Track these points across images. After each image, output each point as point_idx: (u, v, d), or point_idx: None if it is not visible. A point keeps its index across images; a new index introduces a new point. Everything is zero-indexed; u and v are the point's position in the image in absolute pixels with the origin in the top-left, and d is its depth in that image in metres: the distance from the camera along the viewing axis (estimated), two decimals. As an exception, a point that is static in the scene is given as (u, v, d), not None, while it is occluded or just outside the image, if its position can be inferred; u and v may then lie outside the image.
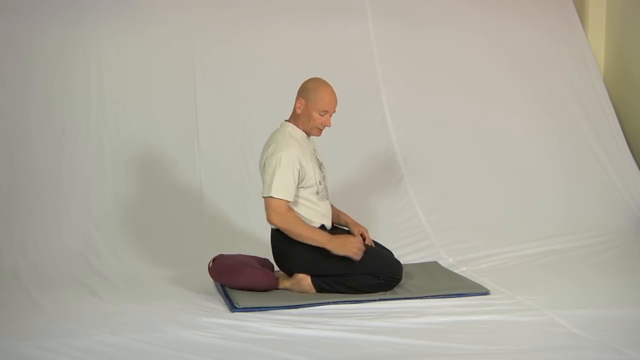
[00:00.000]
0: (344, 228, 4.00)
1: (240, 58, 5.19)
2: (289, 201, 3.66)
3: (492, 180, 5.26)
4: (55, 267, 4.22)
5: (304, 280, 3.76)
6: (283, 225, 3.65)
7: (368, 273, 3.73)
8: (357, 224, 3.98)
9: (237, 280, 3.77)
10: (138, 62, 5.03)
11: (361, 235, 3.91)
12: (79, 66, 4.92)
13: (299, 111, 3.78)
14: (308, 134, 3.84)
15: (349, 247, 3.66)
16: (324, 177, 3.86)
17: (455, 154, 5.30)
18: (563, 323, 3.30)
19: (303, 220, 3.69)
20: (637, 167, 5.58)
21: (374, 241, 3.98)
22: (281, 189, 3.62)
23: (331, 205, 3.99)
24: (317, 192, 3.79)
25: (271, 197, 3.63)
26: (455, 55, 5.59)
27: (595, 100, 5.76)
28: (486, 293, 3.78)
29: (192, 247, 4.52)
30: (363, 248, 3.69)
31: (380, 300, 3.67)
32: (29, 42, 4.87)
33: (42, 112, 4.80)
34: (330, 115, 3.79)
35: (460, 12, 5.72)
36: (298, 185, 3.72)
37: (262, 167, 3.76)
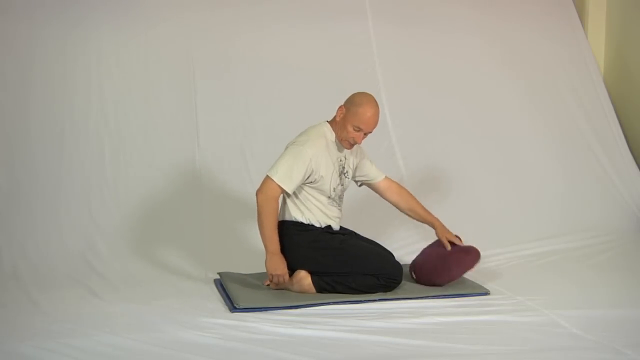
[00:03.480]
0: (352, 230, 4.01)
1: (240, 58, 5.19)
2: (285, 190, 3.68)
3: (491, 180, 5.26)
4: (55, 268, 4.23)
5: (304, 279, 3.77)
6: (259, 207, 3.67)
7: (368, 273, 3.74)
8: (445, 231, 3.98)
9: (450, 273, 3.83)
10: (138, 62, 5.03)
11: (450, 241, 3.94)
12: (79, 66, 4.92)
13: (338, 118, 3.78)
14: (340, 143, 3.84)
15: (271, 269, 3.71)
16: (340, 185, 3.86)
17: (455, 153, 5.30)
18: (563, 323, 3.30)
19: (276, 218, 3.70)
20: (637, 168, 5.58)
21: (375, 242, 3.99)
22: (285, 178, 3.66)
23: (417, 204, 4.03)
24: (329, 197, 3.81)
25: (273, 180, 3.66)
26: (455, 55, 5.60)
27: (595, 100, 5.76)
28: (486, 293, 3.79)
29: (192, 246, 4.52)
30: (277, 281, 3.74)
31: (380, 300, 3.68)
32: (29, 42, 4.87)
33: (42, 112, 4.80)
34: (365, 134, 3.78)
35: (460, 12, 5.72)
36: (310, 184, 3.74)
37: (285, 148, 3.77)
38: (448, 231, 3.99)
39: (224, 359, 2.95)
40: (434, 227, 4.00)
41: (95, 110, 4.88)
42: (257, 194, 3.69)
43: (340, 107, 3.78)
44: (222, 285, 3.91)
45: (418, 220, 4.08)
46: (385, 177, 4.08)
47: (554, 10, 5.94)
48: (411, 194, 4.10)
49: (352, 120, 3.72)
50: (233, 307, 3.56)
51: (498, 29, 5.77)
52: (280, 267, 3.71)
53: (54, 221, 4.55)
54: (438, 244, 4.00)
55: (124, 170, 4.80)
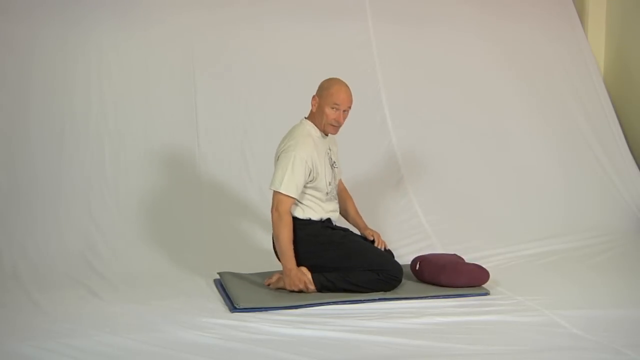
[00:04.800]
0: (351, 231, 4.03)
1: (240, 58, 5.19)
2: (294, 198, 3.71)
3: (492, 180, 5.26)
4: (55, 268, 4.22)
5: (305, 276, 3.77)
6: (274, 224, 3.72)
7: (368, 269, 3.74)
8: (367, 228, 4.06)
9: (458, 278, 3.83)
10: (138, 62, 5.03)
11: (373, 238, 3.99)
12: (79, 66, 4.92)
13: (314, 109, 3.84)
14: (325, 133, 3.86)
15: (288, 286, 3.73)
16: (334, 177, 3.89)
17: (455, 154, 5.30)
18: (563, 323, 3.30)
19: (291, 231, 3.72)
20: (637, 168, 5.58)
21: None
22: (289, 187, 3.69)
23: (352, 206, 4.10)
24: (327, 193, 3.83)
25: (279, 192, 3.69)
26: (455, 55, 5.60)
27: (595, 100, 5.76)
28: (486, 293, 3.79)
29: (192, 247, 4.52)
30: (296, 288, 3.72)
31: (380, 300, 3.68)
32: (29, 42, 4.87)
33: (42, 112, 4.80)
34: (344, 111, 3.81)
35: (461, 12, 5.72)
36: (308, 184, 3.76)
37: (276, 160, 3.82)
38: (370, 229, 4.07)
39: (224, 359, 2.95)
40: (358, 227, 4.09)
41: (95, 110, 4.88)
42: (272, 212, 3.73)
43: (313, 97, 3.84)
44: (222, 285, 3.91)
45: (347, 219, 4.14)
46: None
47: (554, 10, 5.94)
48: (351, 197, 4.17)
49: (327, 102, 3.77)
50: (233, 307, 3.56)
51: (498, 29, 5.77)
52: (296, 282, 3.72)
53: (54, 221, 4.55)
54: (455, 256, 4.06)
55: (124, 170, 4.80)
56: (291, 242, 3.72)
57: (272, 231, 3.80)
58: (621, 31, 5.83)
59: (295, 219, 3.80)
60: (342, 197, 4.11)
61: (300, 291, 3.75)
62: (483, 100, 5.55)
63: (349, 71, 5.16)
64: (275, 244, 3.78)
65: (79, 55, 4.93)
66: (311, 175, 3.75)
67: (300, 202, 3.80)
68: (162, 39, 5.09)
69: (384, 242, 3.99)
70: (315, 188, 3.80)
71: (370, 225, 4.12)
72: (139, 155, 4.85)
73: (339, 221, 4.03)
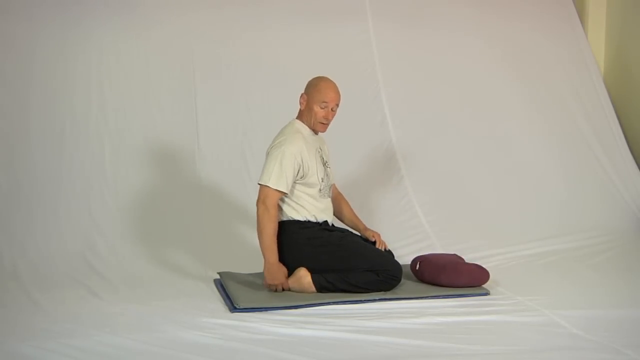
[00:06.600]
0: (350, 231, 4.03)
1: (240, 58, 5.19)
2: (283, 192, 3.72)
3: (492, 180, 5.26)
4: (55, 268, 4.22)
5: (304, 278, 3.77)
6: (260, 217, 3.72)
7: (368, 269, 3.74)
8: (367, 229, 4.06)
9: (458, 278, 3.83)
10: (138, 62, 5.03)
11: (374, 239, 3.99)
12: (79, 66, 4.92)
13: (302, 107, 3.87)
14: (314, 131, 3.87)
15: (269, 279, 3.74)
16: (326, 175, 3.88)
17: (455, 154, 5.31)
18: (563, 323, 3.30)
19: (276, 226, 3.73)
20: (637, 168, 5.58)
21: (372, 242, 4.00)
22: (278, 181, 3.70)
23: (349, 209, 4.10)
24: (320, 190, 3.83)
25: (267, 186, 3.70)
26: (455, 55, 5.60)
27: (595, 100, 5.76)
28: (486, 293, 3.79)
29: (192, 246, 4.52)
30: (275, 290, 3.74)
31: (380, 300, 3.68)
32: (29, 42, 4.87)
33: (42, 112, 4.80)
34: (332, 109, 3.83)
35: (460, 12, 5.72)
36: (299, 180, 3.77)
37: (266, 156, 3.83)
38: (370, 230, 4.06)
39: (224, 359, 2.95)
40: (358, 229, 4.07)
41: (95, 110, 4.88)
42: (257, 205, 3.73)
43: (302, 95, 3.87)
44: (222, 285, 3.91)
45: (345, 223, 4.12)
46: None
47: (553, 10, 5.95)
48: (346, 201, 4.16)
49: (315, 100, 3.81)
50: (233, 307, 3.56)
51: (498, 29, 5.77)
52: (278, 276, 3.74)
53: (54, 221, 4.55)
54: (455, 256, 4.06)
55: (124, 170, 4.80)
56: (275, 236, 3.73)
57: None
58: (621, 31, 5.83)
59: (292, 221, 3.80)
60: (337, 201, 4.11)
61: (276, 290, 3.76)
62: (483, 100, 5.55)
63: (349, 71, 5.20)
64: (258, 237, 3.75)
65: (79, 55, 4.94)
66: (301, 170, 3.76)
67: (293, 201, 3.80)
68: (162, 39, 5.09)
69: (385, 243, 4.00)
70: (307, 184, 3.80)
71: (370, 226, 4.12)
72: (139, 156, 4.85)
73: (337, 223, 4.03)
